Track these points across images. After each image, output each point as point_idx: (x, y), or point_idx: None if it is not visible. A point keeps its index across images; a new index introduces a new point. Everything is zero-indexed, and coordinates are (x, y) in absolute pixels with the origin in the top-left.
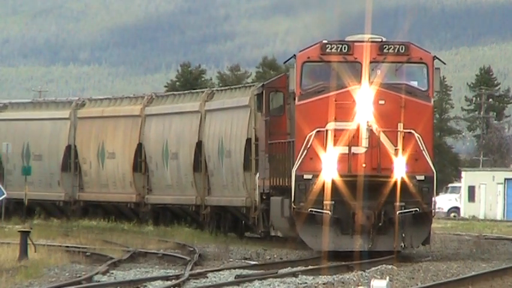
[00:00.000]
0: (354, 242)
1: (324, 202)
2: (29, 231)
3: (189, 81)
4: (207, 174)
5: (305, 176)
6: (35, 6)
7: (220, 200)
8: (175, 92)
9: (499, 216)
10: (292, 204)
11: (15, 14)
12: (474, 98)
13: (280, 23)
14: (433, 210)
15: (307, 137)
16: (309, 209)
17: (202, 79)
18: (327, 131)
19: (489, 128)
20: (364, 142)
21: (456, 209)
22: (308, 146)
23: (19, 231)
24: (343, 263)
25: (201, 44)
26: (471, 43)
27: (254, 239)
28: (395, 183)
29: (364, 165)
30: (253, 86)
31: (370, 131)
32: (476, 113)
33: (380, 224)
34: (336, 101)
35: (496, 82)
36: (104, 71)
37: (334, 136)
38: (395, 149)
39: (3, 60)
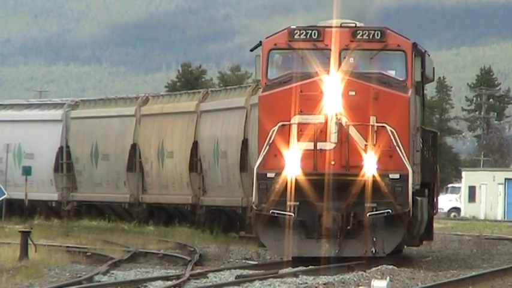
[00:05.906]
0: (320, 246)
1: (287, 203)
2: (30, 231)
3: (190, 81)
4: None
5: (268, 175)
6: (36, 6)
7: None
8: (227, 87)
9: (499, 217)
10: (253, 206)
11: (16, 14)
12: (474, 98)
13: (280, 23)
14: (410, 211)
15: (270, 131)
16: (271, 211)
17: (203, 79)
18: (290, 125)
19: (489, 128)
20: (332, 137)
21: (456, 209)
22: (271, 141)
23: (20, 231)
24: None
25: (201, 44)
26: (472, 43)
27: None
28: (365, 182)
29: (333, 162)
30: None
31: (339, 125)
32: (477, 113)
33: (348, 227)
34: (301, 91)
35: (496, 82)
36: (105, 71)
37: (300, 131)
38: (366, 145)
39: (4, 60)
